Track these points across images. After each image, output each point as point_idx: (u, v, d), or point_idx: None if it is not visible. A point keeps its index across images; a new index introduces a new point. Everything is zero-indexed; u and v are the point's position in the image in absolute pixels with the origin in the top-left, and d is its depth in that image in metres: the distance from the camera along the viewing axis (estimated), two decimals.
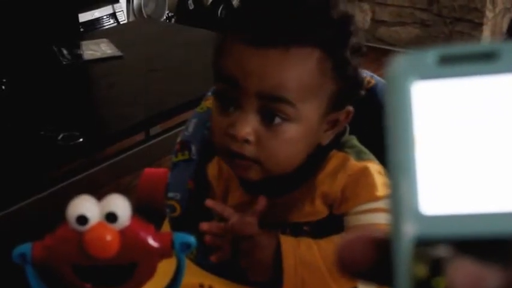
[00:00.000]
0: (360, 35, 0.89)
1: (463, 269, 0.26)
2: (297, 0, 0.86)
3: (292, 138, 0.85)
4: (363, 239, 0.30)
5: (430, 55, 0.29)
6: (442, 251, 0.27)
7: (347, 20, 0.87)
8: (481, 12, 3.67)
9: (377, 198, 0.87)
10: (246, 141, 0.84)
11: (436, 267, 0.27)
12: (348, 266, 0.30)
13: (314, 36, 0.84)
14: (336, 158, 0.91)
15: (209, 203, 0.89)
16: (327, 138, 0.90)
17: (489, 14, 3.73)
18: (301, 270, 0.85)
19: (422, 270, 0.27)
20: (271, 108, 0.84)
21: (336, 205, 0.90)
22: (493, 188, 0.28)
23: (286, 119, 0.84)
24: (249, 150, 0.85)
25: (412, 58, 0.29)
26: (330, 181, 0.90)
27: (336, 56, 0.85)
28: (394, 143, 0.29)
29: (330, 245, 0.86)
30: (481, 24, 3.69)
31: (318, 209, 0.91)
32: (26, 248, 0.62)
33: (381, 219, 0.86)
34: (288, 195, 0.92)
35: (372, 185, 0.88)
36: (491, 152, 0.28)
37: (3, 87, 1.95)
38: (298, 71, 0.83)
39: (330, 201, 0.90)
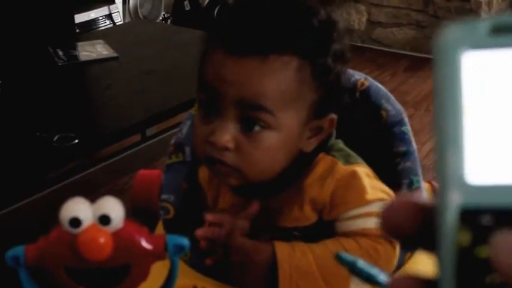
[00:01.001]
0: (344, 41, 0.88)
1: (506, 240, 0.27)
2: (276, 9, 0.86)
3: (271, 146, 0.85)
4: (408, 204, 0.30)
5: (482, 25, 0.29)
6: (486, 221, 0.28)
7: (329, 26, 0.87)
8: (476, 14, 3.68)
9: (367, 202, 0.87)
10: (226, 148, 0.84)
11: (480, 236, 0.27)
12: (391, 229, 0.31)
13: (292, 44, 0.84)
14: (323, 162, 0.91)
15: (209, 217, 0.89)
16: (310, 146, 0.90)
17: (485, 16, 3.74)
18: (296, 277, 0.85)
19: (465, 239, 0.28)
20: (251, 116, 0.84)
21: (326, 211, 0.90)
22: None
23: (266, 127, 0.84)
24: (229, 158, 0.85)
25: (463, 27, 0.29)
26: (318, 186, 0.90)
27: (316, 63, 0.85)
28: (442, 112, 0.29)
29: (325, 252, 0.86)
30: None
31: (307, 215, 0.91)
32: (19, 250, 0.62)
33: (372, 223, 0.86)
34: (276, 199, 0.92)
35: (362, 189, 0.88)
36: None
37: None
38: (276, 79, 0.83)
39: (319, 207, 0.90)
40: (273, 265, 0.86)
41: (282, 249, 0.86)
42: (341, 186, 0.89)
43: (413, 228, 0.30)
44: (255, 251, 0.87)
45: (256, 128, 0.84)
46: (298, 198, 0.91)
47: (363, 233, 0.87)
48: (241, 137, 0.84)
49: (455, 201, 0.28)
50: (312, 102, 0.86)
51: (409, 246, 0.32)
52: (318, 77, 0.85)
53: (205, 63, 0.87)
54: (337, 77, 0.88)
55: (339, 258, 0.45)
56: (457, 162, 0.28)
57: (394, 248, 0.87)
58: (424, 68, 3.61)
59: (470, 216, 0.28)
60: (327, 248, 0.87)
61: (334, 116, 0.89)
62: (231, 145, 0.84)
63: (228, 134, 0.84)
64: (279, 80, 0.83)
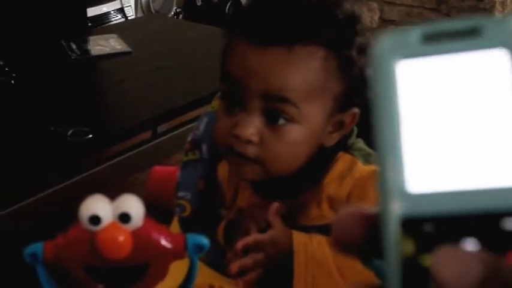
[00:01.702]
0: (367, 35, 0.88)
1: (447, 254, 0.27)
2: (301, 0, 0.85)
3: (295, 140, 0.85)
4: (354, 216, 0.31)
5: (413, 33, 0.29)
6: (428, 229, 0.28)
7: (353, 19, 0.86)
8: (490, 13, 3.66)
9: None
10: (249, 141, 0.83)
11: (423, 244, 0.28)
12: (339, 241, 0.32)
13: (317, 35, 0.83)
14: (343, 160, 0.90)
15: (239, 244, 0.86)
16: (331, 140, 0.89)
17: (498, 15, 3.72)
18: (311, 267, 0.84)
19: (409, 247, 0.28)
20: (275, 109, 0.83)
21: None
22: (478, 165, 0.28)
23: (290, 119, 0.83)
24: (251, 151, 0.84)
25: (395, 37, 0.29)
26: (336, 184, 0.89)
27: (341, 55, 0.84)
28: (380, 122, 0.29)
29: None
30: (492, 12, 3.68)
31: (325, 213, 0.90)
32: (37, 247, 0.61)
33: None
34: (295, 197, 0.91)
35: None
36: (477, 128, 0.28)
37: (12, 81, 1.95)
38: (301, 71, 0.82)
39: (336, 206, 0.89)
40: (288, 254, 0.85)
41: (299, 238, 0.85)
42: (359, 186, 0.88)
43: (362, 239, 0.31)
44: (273, 244, 0.85)
45: (281, 121, 0.83)
46: (316, 197, 0.90)
47: None
48: (265, 130, 0.84)
49: (396, 210, 0.28)
50: (336, 94, 0.85)
51: (363, 257, 0.32)
52: (342, 69, 0.84)
53: (228, 55, 0.86)
54: (361, 71, 0.87)
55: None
56: (397, 171, 0.28)
57: None
58: None
59: (412, 224, 0.28)
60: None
61: (356, 110, 0.88)
62: (255, 138, 0.84)
63: (252, 127, 0.83)
64: (304, 71, 0.82)
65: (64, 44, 2.28)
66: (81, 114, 1.80)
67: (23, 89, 1.96)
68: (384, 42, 0.29)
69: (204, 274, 0.90)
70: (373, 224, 0.30)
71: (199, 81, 1.88)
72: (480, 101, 0.28)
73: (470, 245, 0.27)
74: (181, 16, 4.01)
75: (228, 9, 4.10)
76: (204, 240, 0.62)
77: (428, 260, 0.27)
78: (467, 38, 0.28)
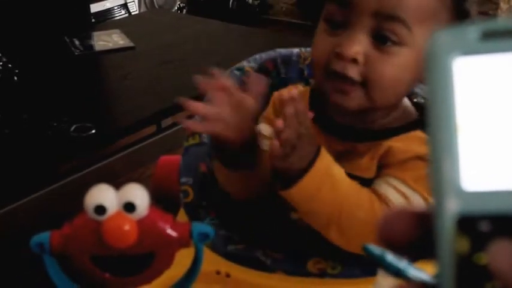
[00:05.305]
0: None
1: (504, 248, 0.26)
2: None
3: (402, 64, 0.81)
4: (405, 213, 0.30)
5: (472, 30, 0.28)
6: (484, 227, 0.27)
7: None
8: (495, 4, 3.65)
9: (409, 185, 0.84)
10: (354, 60, 0.80)
11: (478, 243, 0.27)
12: (389, 241, 0.31)
13: None
14: (419, 136, 0.86)
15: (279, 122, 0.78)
16: None
17: (504, 6, 3.70)
18: (326, 180, 0.80)
19: (464, 246, 0.28)
20: (385, 30, 0.80)
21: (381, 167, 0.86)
22: None
23: (399, 42, 0.80)
24: (353, 72, 0.81)
25: (453, 33, 0.29)
26: (398, 148, 0.85)
27: None
28: (436, 120, 0.28)
29: (355, 186, 0.82)
30: (495, 16, 3.67)
31: (373, 167, 0.87)
32: (44, 237, 0.62)
33: (396, 197, 0.83)
34: (356, 143, 0.88)
35: (417, 174, 0.84)
36: None
37: (15, 78, 1.96)
38: None
39: (380, 163, 0.86)
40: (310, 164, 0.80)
41: (326, 156, 0.81)
42: (409, 159, 0.85)
43: (411, 237, 0.30)
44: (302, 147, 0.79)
45: (389, 43, 0.80)
46: (373, 149, 0.87)
47: (381, 198, 0.83)
48: (371, 50, 0.80)
49: (451, 208, 0.28)
50: (446, 25, 0.83)
51: (410, 256, 0.32)
52: (455, 3, 0.83)
53: None
54: (470, 10, 0.85)
55: (366, 250, 0.44)
56: (452, 169, 0.28)
57: None
58: None
59: (467, 223, 0.28)
60: (356, 185, 0.83)
61: None
62: (360, 57, 0.80)
63: (358, 45, 0.80)
64: None
65: (67, 40, 2.28)
66: (85, 110, 1.80)
67: (26, 86, 1.96)
68: (440, 37, 0.29)
69: (210, 260, 0.89)
70: (424, 222, 0.29)
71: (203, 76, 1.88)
72: None
73: None
74: (184, 11, 4.02)
75: (232, 3, 4.10)
76: (209, 229, 0.63)
77: (484, 259, 0.27)
78: None
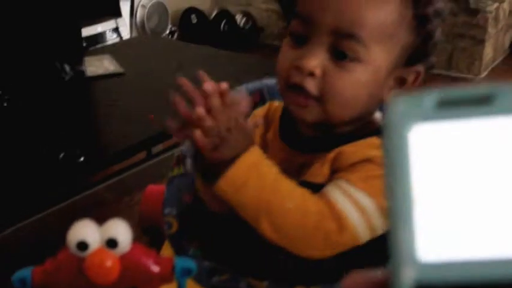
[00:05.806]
0: (444, 7, 0.88)
1: None
2: None
3: (358, 79, 0.83)
4: (362, 281, 0.31)
5: (429, 98, 0.29)
6: None
7: None
8: (483, 29, 3.68)
9: (355, 186, 0.83)
10: (311, 74, 0.83)
11: None
12: None
13: None
14: (373, 141, 0.86)
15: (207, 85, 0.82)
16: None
17: (491, 31, 3.74)
18: (253, 172, 0.80)
19: None
20: (342, 46, 0.82)
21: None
22: (492, 234, 0.28)
23: (356, 59, 0.82)
24: (310, 85, 0.83)
25: (410, 101, 0.29)
26: (351, 152, 0.86)
27: (419, 6, 0.84)
28: (392, 189, 0.29)
29: (289, 184, 0.82)
30: (483, 41, 3.70)
31: (324, 173, 0.87)
32: (26, 272, 0.62)
33: (336, 194, 0.82)
34: (315, 154, 0.89)
35: (365, 175, 0.83)
36: (490, 196, 0.28)
37: (5, 104, 1.95)
38: (376, 10, 0.82)
39: (335, 168, 0.86)
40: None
41: (255, 152, 0.81)
42: (358, 161, 0.85)
43: None
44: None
45: (346, 59, 0.83)
46: (322, 156, 0.87)
47: (321, 194, 0.83)
48: (329, 65, 0.83)
49: (408, 278, 0.28)
50: (405, 45, 0.85)
51: None
52: (417, 21, 0.84)
53: None
54: (433, 32, 0.87)
55: None
56: (409, 240, 0.28)
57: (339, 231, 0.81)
58: (427, 83, 3.60)
59: None
60: (291, 183, 0.82)
61: (421, 68, 0.88)
62: (317, 71, 0.83)
63: (316, 60, 0.83)
64: (379, 11, 0.82)
65: (58, 65, 2.29)
66: (74, 137, 1.80)
67: (16, 110, 1.96)
68: (397, 106, 0.29)
69: None
70: None
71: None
72: (495, 168, 0.28)
73: None
74: (176, 34, 4.03)
75: (223, 27, 4.12)
76: (192, 264, 0.63)
77: None
78: (481, 104, 0.28)
